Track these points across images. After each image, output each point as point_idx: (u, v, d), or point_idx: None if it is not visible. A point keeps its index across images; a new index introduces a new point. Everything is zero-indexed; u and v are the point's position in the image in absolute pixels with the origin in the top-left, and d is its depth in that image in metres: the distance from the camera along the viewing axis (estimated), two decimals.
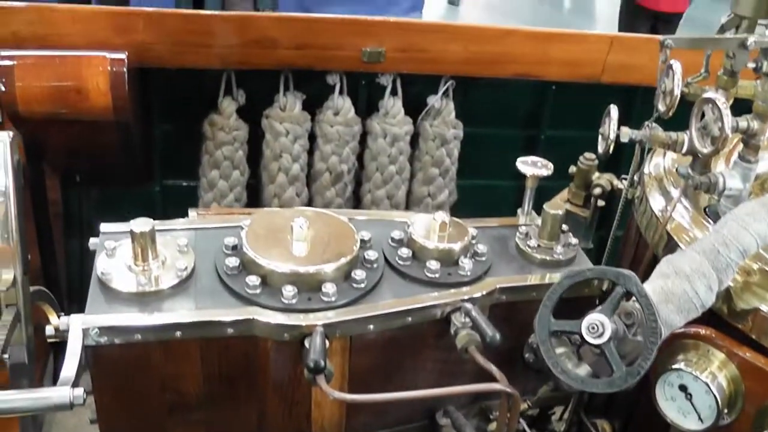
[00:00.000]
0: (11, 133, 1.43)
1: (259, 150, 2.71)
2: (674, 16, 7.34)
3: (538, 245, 1.74)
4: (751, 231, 1.36)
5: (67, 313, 1.44)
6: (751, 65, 1.57)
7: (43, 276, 2.50)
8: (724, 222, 1.40)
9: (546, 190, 2.01)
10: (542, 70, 2.69)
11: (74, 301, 2.64)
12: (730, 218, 1.40)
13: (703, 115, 1.54)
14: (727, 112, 1.47)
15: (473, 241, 1.68)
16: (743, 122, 1.55)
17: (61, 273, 2.66)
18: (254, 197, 2.78)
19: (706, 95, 1.52)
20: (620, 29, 7.73)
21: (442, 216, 1.63)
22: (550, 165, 1.87)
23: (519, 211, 1.91)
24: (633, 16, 7.66)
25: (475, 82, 2.71)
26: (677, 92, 1.64)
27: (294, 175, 2.69)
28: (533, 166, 1.86)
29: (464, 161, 2.86)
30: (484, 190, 2.95)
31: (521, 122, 2.94)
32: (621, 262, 1.99)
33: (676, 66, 1.64)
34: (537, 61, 2.66)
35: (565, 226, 1.77)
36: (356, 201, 2.86)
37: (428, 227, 1.66)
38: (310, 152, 2.73)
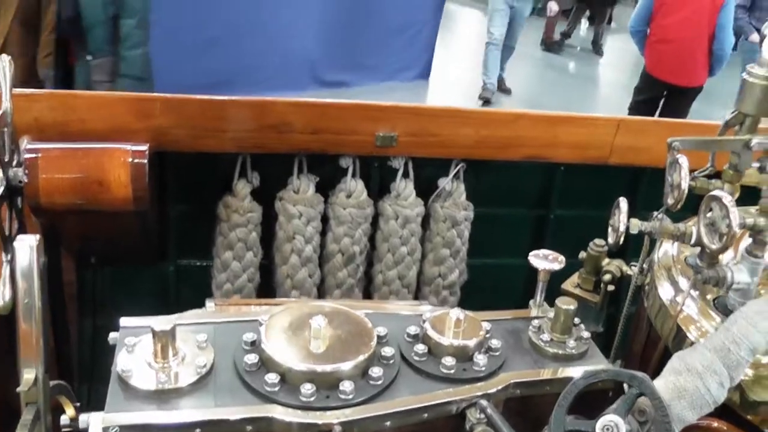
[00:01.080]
0: (38, 237, 1.47)
1: (272, 231, 2.75)
2: (689, 90, 7.32)
3: (551, 339, 1.77)
4: (759, 329, 1.40)
5: (78, 395, 1.46)
6: (756, 165, 1.61)
7: (56, 356, 2.52)
8: (734, 320, 1.43)
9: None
10: (551, 153, 2.74)
11: (84, 381, 2.67)
12: (740, 316, 1.43)
13: (710, 211, 1.58)
14: (734, 210, 1.51)
15: (487, 336, 1.71)
16: (750, 219, 1.60)
17: (74, 352, 2.68)
18: (267, 278, 2.81)
19: (712, 193, 1.57)
20: (635, 96, 7.80)
21: (457, 312, 1.67)
22: (562, 258, 1.90)
23: (531, 302, 1.93)
24: (648, 85, 7.69)
25: (485, 164, 2.75)
26: (684, 186, 1.68)
27: (307, 257, 2.72)
28: (545, 260, 1.89)
29: (475, 241, 2.89)
30: (494, 270, 2.98)
31: (531, 203, 2.98)
32: (632, 349, 2.02)
33: (683, 161, 1.69)
34: (546, 144, 2.71)
35: (577, 319, 1.79)
36: (368, 281, 2.89)
37: (443, 323, 1.69)
38: (323, 233, 2.76)
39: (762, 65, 1.68)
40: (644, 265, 1.94)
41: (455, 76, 11.52)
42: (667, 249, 1.95)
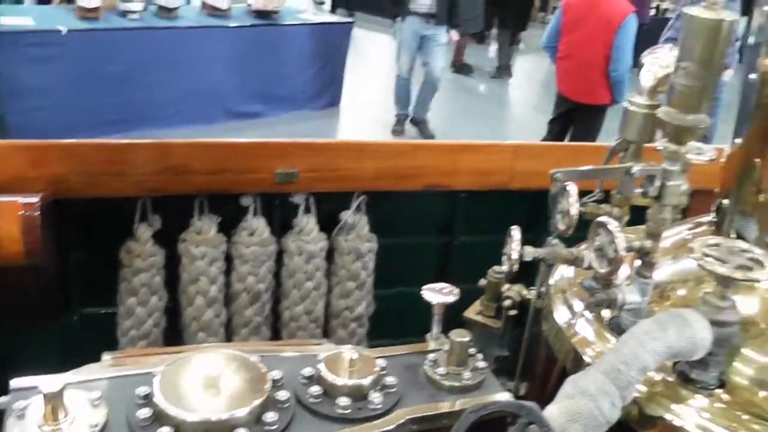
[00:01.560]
0: None
1: (176, 274, 2.71)
2: (591, 107, 7.48)
3: (447, 372, 1.77)
4: (648, 349, 1.43)
5: None
6: (639, 191, 1.65)
7: None
8: (624, 341, 1.46)
9: (464, 293, 2.06)
10: (452, 181, 2.77)
11: None
12: (629, 337, 1.46)
13: (598, 236, 1.62)
14: (619, 236, 1.55)
15: (382, 373, 1.71)
16: (636, 242, 1.64)
17: None
18: (174, 321, 2.77)
19: (599, 219, 1.61)
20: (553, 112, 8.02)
21: (351, 352, 1.66)
22: (456, 290, 1.92)
23: (428, 336, 1.94)
24: (557, 101, 7.92)
25: (387, 195, 2.77)
26: (574, 213, 1.72)
27: (212, 297, 2.69)
28: (439, 293, 1.91)
29: (380, 272, 2.90)
30: (402, 299, 2.99)
31: (435, 230, 3.01)
32: (534, 372, 2.05)
33: (571, 188, 1.73)
34: (447, 173, 2.74)
35: (473, 350, 1.80)
36: (275, 318, 2.87)
37: (337, 363, 1.68)
38: (227, 273, 2.74)
39: (641, 94, 1.73)
40: (542, 290, 1.97)
41: (366, 101, 11.60)
42: (563, 272, 1.99)
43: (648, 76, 1.72)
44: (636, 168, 1.62)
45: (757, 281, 1.46)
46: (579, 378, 1.45)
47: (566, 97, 7.70)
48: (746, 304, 1.65)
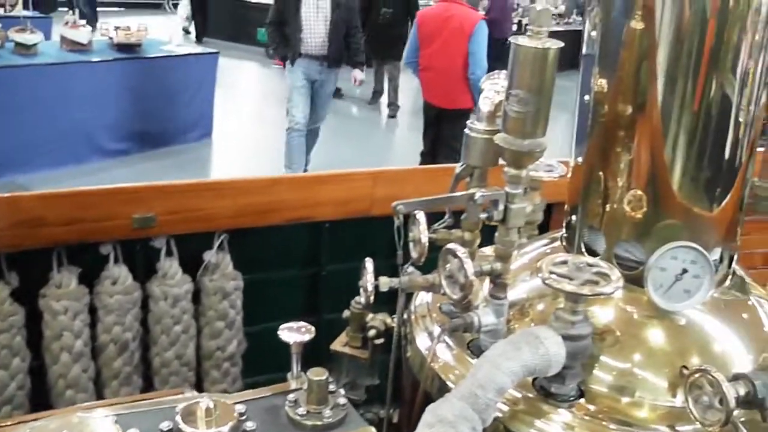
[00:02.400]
0: None
1: (39, 331, 2.61)
2: (455, 112, 7.70)
3: (308, 411, 1.75)
4: (503, 370, 1.45)
5: None
6: (484, 215, 1.69)
7: None
8: (479, 365, 1.49)
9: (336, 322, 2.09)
10: (313, 213, 2.78)
11: None
12: (484, 361, 1.49)
13: (448, 263, 1.65)
14: (467, 261, 1.58)
15: (242, 419, 1.68)
16: (486, 266, 1.67)
17: None
18: (39, 381, 2.67)
19: (447, 246, 1.63)
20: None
21: (207, 401, 1.63)
22: (312, 329, 1.92)
23: (288, 375, 1.93)
24: (424, 110, 8.21)
25: (249, 231, 2.76)
26: (425, 240, 1.75)
27: (78, 352, 2.61)
28: (296, 333, 1.90)
29: (249, 309, 2.88)
30: (274, 334, 2.98)
31: (301, 263, 3.01)
32: (403, 400, 2.06)
33: (420, 216, 1.76)
34: (307, 205, 2.75)
35: (333, 386, 1.80)
36: (145, 366, 2.81)
37: (195, 413, 1.64)
38: (93, 325, 2.66)
39: (480, 120, 1.78)
40: (404, 317, 1.99)
41: (239, 131, 11.50)
42: (424, 298, 2.01)
43: (486, 102, 1.77)
44: (479, 194, 1.65)
45: (604, 295, 1.51)
46: (437, 406, 1.46)
47: (431, 105, 8.02)
48: (602, 314, 1.71)
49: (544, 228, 2.10)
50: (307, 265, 3.02)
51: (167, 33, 11.33)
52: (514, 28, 15.25)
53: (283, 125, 9.25)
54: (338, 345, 2.19)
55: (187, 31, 16.85)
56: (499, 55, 8.28)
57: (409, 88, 12.81)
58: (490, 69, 8.46)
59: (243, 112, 12.75)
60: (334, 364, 2.21)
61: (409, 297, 2.02)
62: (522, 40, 1.55)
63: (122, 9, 15.80)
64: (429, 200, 1.76)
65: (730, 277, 1.86)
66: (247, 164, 9.75)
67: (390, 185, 2.82)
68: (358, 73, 9.22)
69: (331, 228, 2.91)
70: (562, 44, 1.57)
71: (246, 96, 14.16)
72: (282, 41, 8.60)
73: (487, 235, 1.82)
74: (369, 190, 2.80)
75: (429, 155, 8.07)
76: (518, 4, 17.54)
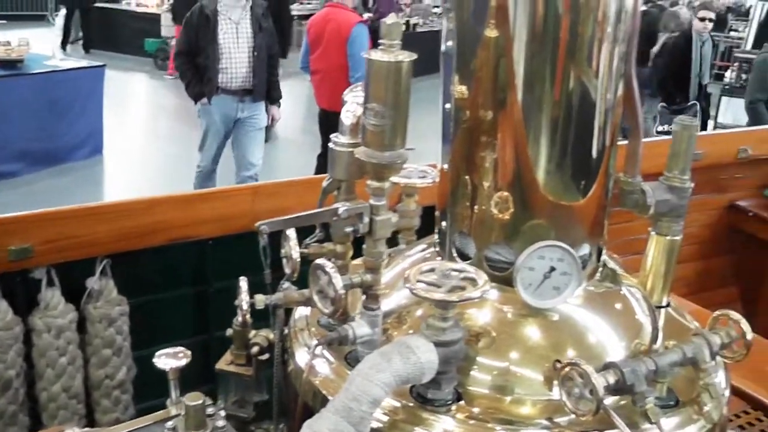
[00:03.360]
0: None
1: None
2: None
3: None
4: (376, 382, 1.47)
5: None
6: (349, 228, 1.70)
7: None
8: (352, 378, 1.50)
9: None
10: (196, 231, 2.75)
11: None
12: (356, 374, 1.50)
13: (318, 279, 1.66)
14: (336, 276, 1.60)
15: None
16: (357, 278, 1.69)
17: None
18: None
19: (315, 262, 1.65)
20: None
21: None
22: (189, 353, 1.90)
23: (168, 402, 1.91)
24: (318, 113, 8.34)
25: (132, 255, 2.71)
26: (296, 256, 1.76)
27: None
28: (173, 358, 1.88)
29: (138, 333, 2.83)
30: None
31: (188, 282, 2.98)
32: (288, 415, 2.06)
33: (290, 232, 1.76)
34: (189, 224, 2.72)
35: (211, 410, 1.79)
36: (33, 402, 2.73)
37: None
38: None
39: (344, 133, 1.79)
40: (284, 331, 1.99)
41: (131, 146, 11.30)
42: (302, 312, 2.01)
43: (348, 115, 1.78)
44: (342, 209, 1.67)
45: (471, 300, 1.54)
46: (313, 422, 1.47)
47: (322, 108, 8.15)
48: (478, 316, 1.75)
49: (429, 232, 2.12)
50: (193, 284, 2.99)
51: (51, 46, 11.03)
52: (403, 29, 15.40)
53: (177, 138, 9.12)
54: (223, 364, 2.18)
55: (63, 45, 16.42)
56: None
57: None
58: None
59: (134, 126, 12.52)
60: (222, 383, 2.19)
61: (289, 312, 2.02)
62: (375, 54, 1.56)
63: (4, 22, 15.37)
64: (293, 218, 1.76)
65: (600, 269, 1.92)
66: (140, 180, 9.57)
67: (271, 199, 2.82)
68: (276, 111, 8.07)
69: (215, 245, 2.89)
70: (415, 56, 1.59)
71: (137, 109, 13.92)
72: (196, 75, 7.42)
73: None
74: (249, 206, 2.79)
75: (323, 156, 8.12)
76: (405, 4, 17.72)
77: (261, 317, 2.03)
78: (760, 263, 5.05)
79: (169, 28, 16.71)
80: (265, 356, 2.11)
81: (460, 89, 1.73)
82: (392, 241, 2.13)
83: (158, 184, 9.44)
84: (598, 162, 1.78)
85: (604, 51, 1.69)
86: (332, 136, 1.80)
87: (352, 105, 1.77)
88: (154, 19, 17.96)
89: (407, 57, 1.57)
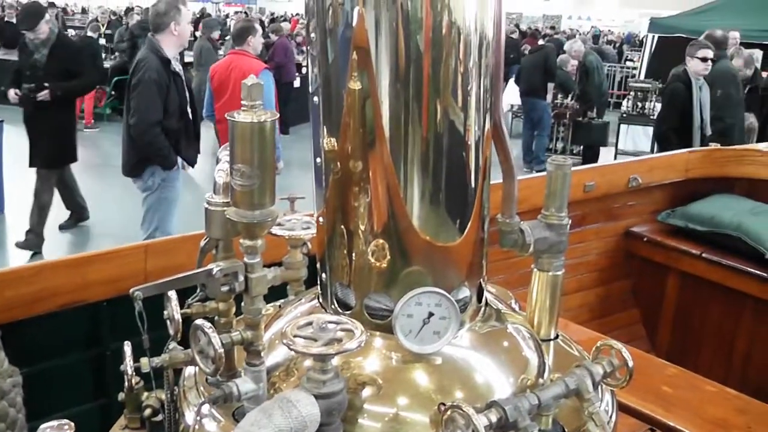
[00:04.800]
0: None
1: None
2: None
3: None
4: None
5: None
6: (225, 288, 1.71)
7: None
8: None
9: None
10: (87, 295, 2.71)
11: None
12: None
13: (199, 340, 1.67)
14: (214, 336, 1.61)
15: None
16: (237, 336, 1.70)
17: None
18: None
19: (194, 323, 1.65)
20: None
21: None
22: (72, 425, 1.88)
23: None
24: None
25: (22, 324, 2.65)
26: (178, 317, 1.76)
27: None
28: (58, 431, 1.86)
29: (34, 403, 2.76)
30: None
31: (83, 346, 2.93)
32: None
33: (172, 294, 1.77)
34: (79, 288, 2.68)
35: None
36: None
37: None
38: None
39: (218, 192, 1.81)
40: (174, 391, 1.98)
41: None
42: (191, 371, 2.01)
43: (221, 174, 1.80)
44: (216, 269, 1.68)
45: (349, 351, 1.56)
46: None
47: None
48: (364, 364, 1.77)
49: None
50: (89, 348, 2.94)
51: None
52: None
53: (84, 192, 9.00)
54: (117, 429, 2.16)
55: None
56: (287, 99, 8.47)
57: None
58: (281, 112, 8.73)
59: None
60: None
61: (179, 372, 2.02)
62: (237, 116, 1.58)
63: None
64: (168, 281, 1.76)
65: (483, 309, 1.96)
66: (49, 240, 9.35)
67: (162, 256, 2.80)
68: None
69: (109, 306, 2.85)
70: (278, 115, 1.62)
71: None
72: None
73: None
74: (141, 264, 2.76)
75: None
76: (299, 45, 17.84)
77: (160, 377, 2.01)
78: (658, 285, 5.22)
79: None
80: (159, 417, 2.09)
81: (329, 140, 1.76)
82: (282, 293, 2.15)
83: (66, 240, 9.25)
84: (471, 200, 1.82)
85: (470, 86, 1.72)
86: (207, 195, 1.81)
87: (224, 164, 1.79)
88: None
89: (270, 117, 1.59)
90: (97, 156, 14.19)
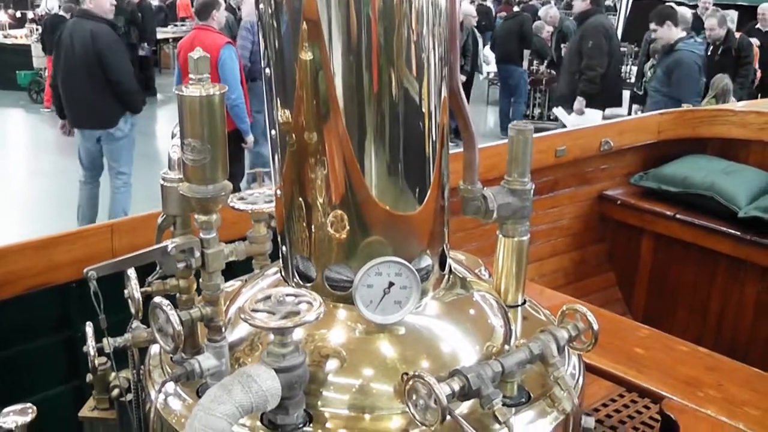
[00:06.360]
0: None
1: None
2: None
3: None
4: (218, 414, 1.47)
5: None
6: (182, 264, 1.70)
7: None
8: (194, 413, 1.49)
9: None
10: (55, 277, 2.69)
11: None
12: (198, 409, 1.49)
13: (158, 318, 1.66)
14: (172, 313, 1.60)
15: None
16: (196, 312, 1.69)
17: None
18: None
19: (153, 301, 1.64)
20: None
21: None
22: (34, 408, 1.87)
23: None
24: None
25: None
26: (138, 296, 1.75)
27: None
28: (19, 415, 1.85)
29: (5, 388, 2.75)
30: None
31: (54, 328, 2.91)
32: None
33: (131, 272, 1.75)
34: (46, 270, 2.65)
35: None
36: None
37: None
38: None
39: (173, 168, 1.79)
40: (140, 370, 1.97)
41: (13, 186, 10.94)
42: (156, 350, 1.99)
43: (176, 150, 1.78)
44: (171, 246, 1.67)
45: (306, 324, 1.55)
46: None
47: None
48: (327, 337, 1.77)
49: None
50: (59, 330, 2.92)
51: None
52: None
53: (62, 173, 8.96)
54: (86, 410, 2.15)
55: None
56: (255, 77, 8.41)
57: None
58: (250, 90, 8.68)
59: (13, 163, 12.13)
60: (88, 430, 2.16)
61: (145, 351, 2.01)
62: (186, 90, 1.56)
63: None
64: (123, 260, 1.75)
65: (447, 278, 1.96)
66: (28, 221, 9.29)
67: (130, 234, 2.78)
68: None
69: (78, 288, 2.82)
70: (226, 88, 1.60)
71: (16, 146, 13.47)
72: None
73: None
74: (108, 244, 2.74)
75: None
76: None
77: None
78: (632, 248, 5.25)
79: (41, 59, 16.33)
80: (129, 397, 2.09)
81: (282, 112, 1.74)
82: (248, 267, 2.14)
83: (47, 225, 9.18)
84: (430, 168, 1.81)
85: (423, 55, 1.70)
86: (162, 172, 1.79)
87: (178, 139, 1.77)
88: (25, 50, 17.49)
89: (218, 90, 1.58)
90: None
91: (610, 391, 3.04)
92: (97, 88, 7.95)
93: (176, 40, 17.12)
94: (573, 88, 10.81)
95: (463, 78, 7.46)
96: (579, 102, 10.35)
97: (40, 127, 15.14)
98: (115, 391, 2.07)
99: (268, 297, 1.60)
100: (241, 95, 8.02)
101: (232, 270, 1.99)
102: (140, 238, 2.74)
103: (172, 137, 1.85)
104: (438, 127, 1.81)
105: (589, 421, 1.97)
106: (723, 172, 4.95)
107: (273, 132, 1.78)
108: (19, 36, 18.90)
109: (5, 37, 19.08)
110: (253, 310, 1.56)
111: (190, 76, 1.58)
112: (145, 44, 18.13)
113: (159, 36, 20.36)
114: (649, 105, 9.72)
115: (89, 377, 2.10)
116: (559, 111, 10.50)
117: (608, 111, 11.23)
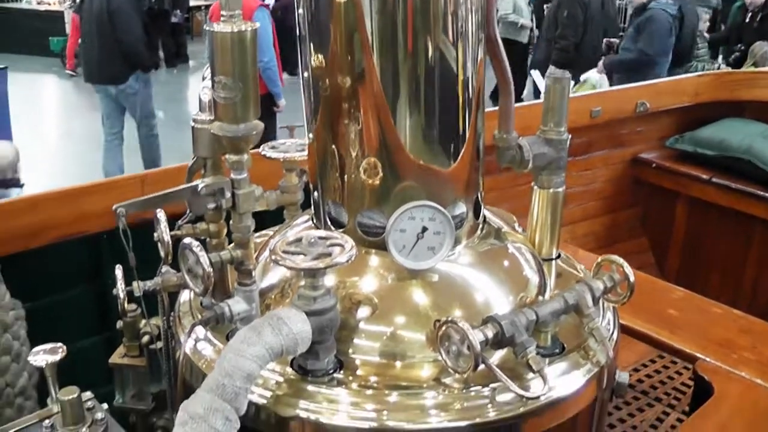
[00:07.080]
0: None
1: None
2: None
3: None
4: (248, 356, 1.45)
5: None
6: (211, 205, 1.68)
7: None
8: (224, 355, 1.48)
9: None
10: (87, 226, 2.69)
11: None
12: (228, 350, 1.48)
13: (187, 259, 1.64)
14: (202, 254, 1.58)
15: None
16: (226, 254, 1.67)
17: None
18: None
19: (183, 242, 1.63)
20: None
21: None
22: (64, 347, 1.85)
23: (48, 400, 1.86)
24: None
25: (21, 256, 2.63)
26: (167, 239, 1.73)
27: None
28: (49, 354, 1.84)
29: (37, 336, 2.75)
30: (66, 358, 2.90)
31: (85, 279, 2.91)
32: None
33: (161, 214, 1.74)
34: (78, 219, 2.65)
35: (90, 402, 1.75)
36: None
37: None
38: None
39: (203, 110, 1.76)
40: (170, 317, 1.96)
41: (48, 151, 11.02)
42: (186, 296, 1.98)
43: (206, 92, 1.75)
44: (202, 185, 1.65)
45: (339, 265, 1.53)
46: (189, 403, 1.45)
47: None
48: (359, 283, 1.74)
49: None
50: (91, 280, 2.92)
51: None
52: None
53: (93, 138, 9.12)
54: (116, 357, 2.15)
55: None
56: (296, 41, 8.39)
57: None
58: (288, 55, 8.66)
59: (46, 128, 12.21)
60: (118, 377, 2.16)
61: (175, 296, 1.99)
62: (216, 27, 1.54)
63: None
64: (152, 198, 1.74)
65: (480, 227, 1.93)
66: (55, 178, 9.38)
67: (161, 185, 2.74)
68: None
69: (109, 239, 2.82)
70: (258, 25, 1.57)
71: (47, 110, 13.56)
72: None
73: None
74: (139, 193, 2.72)
75: None
76: None
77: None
78: (667, 212, 5.18)
79: None
80: (158, 345, 2.08)
81: (316, 57, 1.71)
82: (279, 218, 2.12)
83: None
84: (465, 122, 1.78)
85: (459, 18, 1.68)
86: (193, 114, 1.77)
87: (209, 81, 1.75)
88: (58, 17, 17.58)
89: (250, 27, 1.55)
90: None
91: (641, 356, 3.00)
92: (106, 46, 8.50)
93: (208, 7, 17.12)
94: (549, 54, 11.01)
95: None
96: (551, 71, 10.27)
97: (71, 92, 15.22)
98: (145, 338, 2.06)
99: (300, 239, 1.58)
100: (273, 58, 7.98)
101: (264, 222, 1.97)
102: (170, 188, 2.73)
103: (203, 80, 1.82)
104: (474, 81, 1.78)
105: (623, 376, 1.93)
106: (761, 136, 4.85)
107: (306, 74, 1.76)
108: (52, 2, 19.02)
109: (38, 3, 19.21)
110: (285, 252, 1.54)
111: (222, 12, 1.55)
112: (178, 11, 18.17)
113: (192, 3, 20.39)
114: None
115: (119, 324, 2.10)
116: (536, 74, 10.43)
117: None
